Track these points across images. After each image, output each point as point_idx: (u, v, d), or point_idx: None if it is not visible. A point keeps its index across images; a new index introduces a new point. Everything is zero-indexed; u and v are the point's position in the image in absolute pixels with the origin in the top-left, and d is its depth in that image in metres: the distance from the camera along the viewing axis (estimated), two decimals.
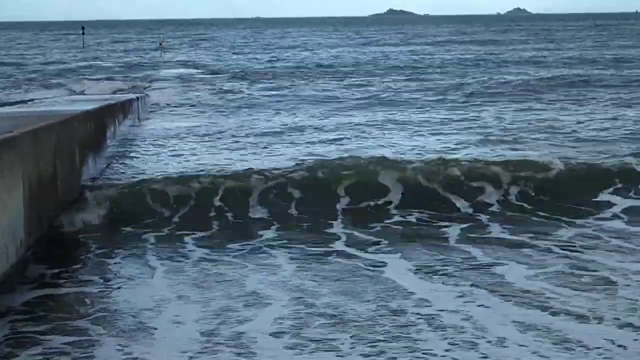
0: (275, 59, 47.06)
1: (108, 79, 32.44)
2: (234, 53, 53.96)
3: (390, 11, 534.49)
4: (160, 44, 59.06)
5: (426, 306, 6.74)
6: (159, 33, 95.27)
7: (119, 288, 7.53)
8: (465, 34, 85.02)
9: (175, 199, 10.67)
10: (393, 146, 15.17)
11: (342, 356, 5.76)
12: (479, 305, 6.75)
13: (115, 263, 8.44)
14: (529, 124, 17.93)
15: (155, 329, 6.36)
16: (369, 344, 5.93)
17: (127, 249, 8.97)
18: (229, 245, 9.03)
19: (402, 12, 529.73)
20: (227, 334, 6.19)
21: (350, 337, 6.08)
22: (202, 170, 12.27)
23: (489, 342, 5.95)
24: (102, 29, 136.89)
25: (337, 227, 9.79)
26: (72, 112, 12.14)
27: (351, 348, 5.88)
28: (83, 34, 66.33)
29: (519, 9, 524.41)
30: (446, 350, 5.82)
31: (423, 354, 5.78)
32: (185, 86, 29.74)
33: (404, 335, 6.11)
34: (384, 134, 17.06)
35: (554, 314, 6.52)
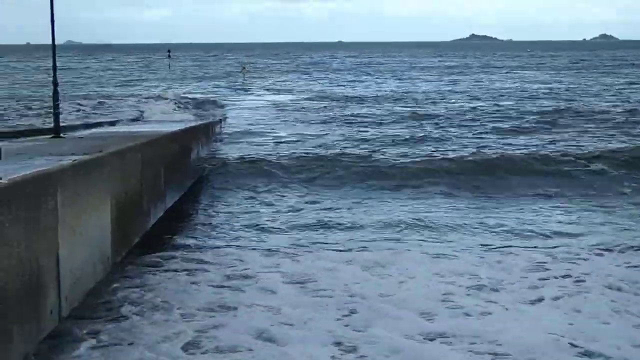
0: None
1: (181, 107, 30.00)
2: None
3: (473, 36, 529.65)
4: (243, 68, 59.43)
5: None
6: (248, 57, 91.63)
7: None
8: None
9: None
10: None
11: None
12: None
13: None
14: None
15: None
16: None
17: None
18: None
19: (484, 37, 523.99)
20: None
21: None
22: None
23: None
24: (178, 51, 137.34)
25: None
26: (157, 132, 12.33)
27: None
28: (169, 57, 67.68)
29: (605, 35, 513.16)
30: None
31: None
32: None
33: None
34: None
35: None
